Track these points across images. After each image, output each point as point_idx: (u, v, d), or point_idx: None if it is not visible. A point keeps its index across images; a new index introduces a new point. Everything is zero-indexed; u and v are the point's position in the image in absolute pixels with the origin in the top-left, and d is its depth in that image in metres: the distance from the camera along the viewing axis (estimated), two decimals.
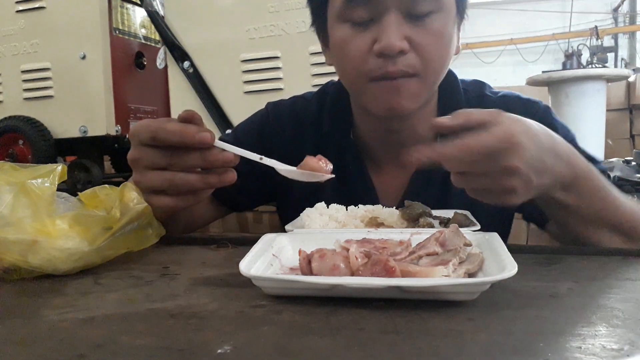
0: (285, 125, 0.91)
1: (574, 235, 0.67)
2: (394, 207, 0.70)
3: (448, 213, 0.69)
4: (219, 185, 0.64)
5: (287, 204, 0.93)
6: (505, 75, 9.33)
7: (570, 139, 0.80)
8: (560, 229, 0.71)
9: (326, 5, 0.77)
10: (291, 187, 0.88)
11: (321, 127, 0.88)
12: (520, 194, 0.55)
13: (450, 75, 0.84)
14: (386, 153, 0.86)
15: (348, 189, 0.84)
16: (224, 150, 0.62)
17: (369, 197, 0.83)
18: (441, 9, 0.71)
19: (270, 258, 0.51)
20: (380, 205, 0.71)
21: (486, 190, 0.56)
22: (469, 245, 0.52)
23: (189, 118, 0.61)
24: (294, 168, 0.63)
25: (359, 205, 0.71)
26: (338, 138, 0.87)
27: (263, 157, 0.64)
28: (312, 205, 0.70)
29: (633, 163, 1.93)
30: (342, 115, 0.88)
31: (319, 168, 0.62)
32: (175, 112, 1.95)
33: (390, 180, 0.86)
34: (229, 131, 1.01)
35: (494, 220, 0.66)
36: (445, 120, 0.55)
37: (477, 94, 0.87)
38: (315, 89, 0.96)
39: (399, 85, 0.72)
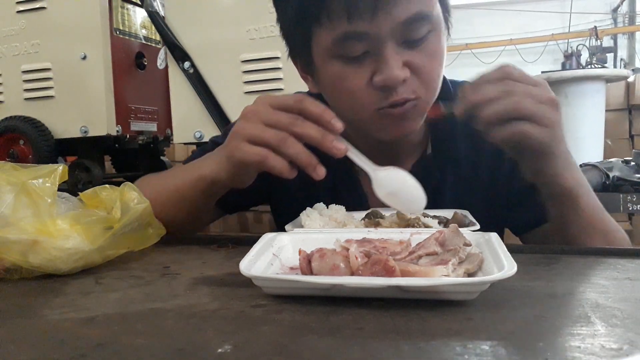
0: None
1: (568, 240, 0.69)
2: None
3: (448, 213, 0.69)
4: (312, 170, 0.61)
5: (281, 208, 0.92)
6: None
7: None
8: (556, 232, 0.71)
9: (310, 40, 0.73)
10: (286, 191, 0.87)
11: None
12: (555, 136, 0.59)
13: None
14: (376, 158, 0.78)
15: (340, 196, 0.81)
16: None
17: (359, 204, 0.81)
18: (435, 28, 0.70)
19: (271, 258, 0.51)
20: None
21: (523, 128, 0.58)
22: (469, 245, 0.52)
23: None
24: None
25: None
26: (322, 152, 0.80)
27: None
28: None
29: (632, 163, 1.93)
30: None
31: None
32: (175, 112, 1.95)
33: None
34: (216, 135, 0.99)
35: (487, 225, 0.65)
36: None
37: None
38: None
39: (406, 111, 0.71)
